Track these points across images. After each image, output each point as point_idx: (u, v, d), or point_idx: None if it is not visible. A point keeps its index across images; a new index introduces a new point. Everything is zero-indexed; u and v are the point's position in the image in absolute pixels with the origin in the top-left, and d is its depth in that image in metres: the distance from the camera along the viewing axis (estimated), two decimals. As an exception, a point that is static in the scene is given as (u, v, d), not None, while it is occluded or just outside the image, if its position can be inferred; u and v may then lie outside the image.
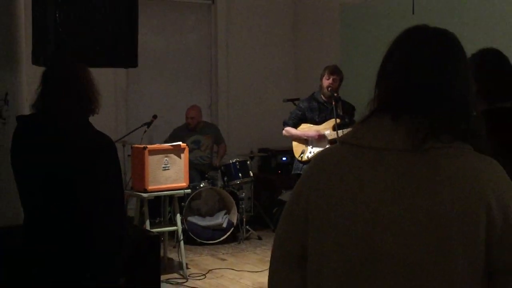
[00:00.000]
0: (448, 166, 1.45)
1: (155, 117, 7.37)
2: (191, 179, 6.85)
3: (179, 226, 6.23)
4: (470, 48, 2.10)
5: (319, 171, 1.62)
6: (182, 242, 6.20)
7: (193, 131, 7.88)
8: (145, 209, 6.04)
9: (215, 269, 6.45)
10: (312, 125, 6.38)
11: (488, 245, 1.42)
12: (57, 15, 3.74)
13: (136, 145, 6.20)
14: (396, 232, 1.45)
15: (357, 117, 5.96)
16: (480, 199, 1.42)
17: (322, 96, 6.35)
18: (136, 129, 7.28)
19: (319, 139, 6.24)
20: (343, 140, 1.61)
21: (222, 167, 7.64)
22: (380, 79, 1.59)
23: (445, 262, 1.41)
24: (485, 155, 1.50)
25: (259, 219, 8.21)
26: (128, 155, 6.71)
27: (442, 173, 1.44)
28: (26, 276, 2.81)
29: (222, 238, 7.40)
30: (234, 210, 7.47)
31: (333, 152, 1.63)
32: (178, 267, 6.39)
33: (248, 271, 6.35)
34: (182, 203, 7.03)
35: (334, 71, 6.31)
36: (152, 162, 5.92)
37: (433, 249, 1.42)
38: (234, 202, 7.47)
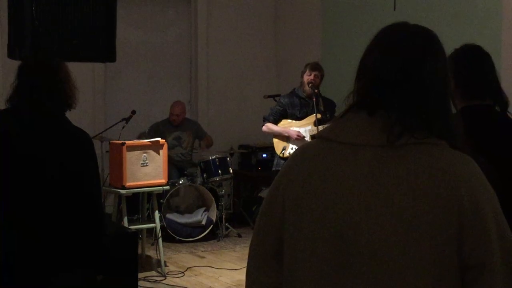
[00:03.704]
0: (422, 162, 1.46)
1: (133, 112, 7.30)
2: (170, 176, 6.80)
3: (158, 223, 6.18)
4: (451, 44, 2.08)
5: (296, 166, 1.63)
6: (160, 240, 6.16)
7: (175, 127, 7.82)
8: (123, 206, 5.99)
9: (194, 266, 6.41)
10: (293, 121, 6.37)
11: (460, 241, 1.43)
12: (33, 8, 3.67)
13: (114, 141, 6.14)
14: (370, 226, 1.46)
15: (338, 113, 5.95)
16: (452, 195, 1.43)
17: (303, 92, 6.35)
18: (115, 124, 7.20)
19: (298, 139, 6.23)
20: (321, 136, 1.64)
21: (202, 164, 7.59)
22: (359, 75, 1.61)
23: (413, 258, 1.43)
24: (460, 152, 1.52)
25: (238, 216, 8.17)
26: (106, 151, 6.64)
27: (416, 168, 1.46)
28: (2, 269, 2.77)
29: (201, 236, 7.35)
30: (214, 207, 7.42)
31: (311, 147, 1.65)
32: (156, 265, 6.35)
33: (227, 269, 6.32)
34: (161, 200, 6.97)
35: (316, 67, 6.31)
36: (131, 158, 5.87)
37: (404, 243, 1.43)
38: (213, 199, 7.42)
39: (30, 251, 2.73)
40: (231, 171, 7.65)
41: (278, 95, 6.98)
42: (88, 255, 2.80)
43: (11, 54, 3.85)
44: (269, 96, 7.48)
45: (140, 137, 7.42)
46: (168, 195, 7.13)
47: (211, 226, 7.40)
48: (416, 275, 1.43)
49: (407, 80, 1.52)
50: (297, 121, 6.35)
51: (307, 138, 6.20)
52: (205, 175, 7.52)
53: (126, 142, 5.92)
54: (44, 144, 2.74)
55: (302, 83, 6.35)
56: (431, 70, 1.54)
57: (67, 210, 2.73)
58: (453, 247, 1.43)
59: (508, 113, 2.67)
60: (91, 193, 2.80)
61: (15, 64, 2.95)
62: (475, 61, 2.69)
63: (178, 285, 5.86)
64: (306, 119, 6.31)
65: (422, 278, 1.43)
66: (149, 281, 5.91)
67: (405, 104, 1.51)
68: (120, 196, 6.02)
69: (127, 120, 7.17)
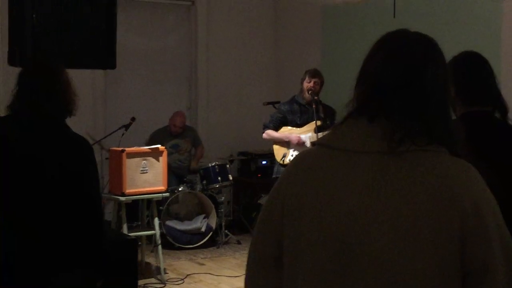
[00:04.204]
0: (423, 169, 1.46)
1: (133, 119, 7.30)
2: (169, 183, 6.79)
3: (157, 230, 6.17)
4: (451, 51, 2.08)
5: (295, 173, 1.63)
6: (160, 247, 6.15)
7: (174, 136, 7.82)
8: (123, 213, 5.98)
9: (194, 273, 6.40)
10: (293, 128, 6.37)
11: (462, 244, 1.43)
12: (34, 15, 3.68)
13: (114, 148, 6.14)
14: (370, 232, 1.46)
15: (338, 120, 5.95)
16: (454, 202, 1.43)
17: (303, 99, 6.35)
18: (114, 131, 7.20)
19: (299, 144, 6.23)
20: (320, 143, 1.63)
21: (201, 171, 7.58)
22: (359, 81, 1.60)
23: (415, 263, 1.43)
24: (461, 158, 1.51)
25: (238, 223, 8.17)
26: (106, 158, 6.64)
27: (417, 175, 1.45)
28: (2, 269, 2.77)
29: (200, 243, 7.34)
30: (213, 214, 7.41)
31: (310, 154, 1.64)
32: (156, 272, 6.34)
33: (226, 276, 6.31)
34: (160, 207, 6.97)
35: (315, 74, 6.32)
36: (130, 165, 5.86)
37: (404, 247, 1.43)
38: (213, 206, 7.41)
39: (30, 251, 2.73)
40: (231, 178, 7.65)
41: (278, 102, 6.98)
42: (88, 255, 2.80)
43: (11, 61, 3.86)
44: (269, 103, 7.47)
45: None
46: (167, 202, 7.12)
47: (211, 233, 7.40)
48: (417, 279, 1.43)
49: (407, 86, 1.52)
50: (298, 128, 6.35)
51: (308, 144, 6.20)
52: (204, 182, 7.51)
53: (126, 149, 5.92)
54: (43, 144, 2.76)
55: (301, 90, 6.36)
56: (432, 77, 1.54)
57: (67, 210, 2.74)
58: (455, 252, 1.43)
59: (508, 119, 2.68)
60: (91, 193, 2.81)
61: (16, 70, 2.96)
62: (474, 68, 2.69)
63: (178, 292, 5.86)
64: (306, 126, 6.31)
65: (423, 282, 1.43)
66: (148, 288, 5.90)
67: (405, 110, 1.51)
68: (119, 203, 6.01)
69: (126, 127, 7.17)
